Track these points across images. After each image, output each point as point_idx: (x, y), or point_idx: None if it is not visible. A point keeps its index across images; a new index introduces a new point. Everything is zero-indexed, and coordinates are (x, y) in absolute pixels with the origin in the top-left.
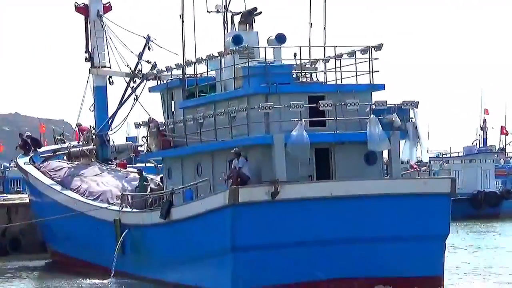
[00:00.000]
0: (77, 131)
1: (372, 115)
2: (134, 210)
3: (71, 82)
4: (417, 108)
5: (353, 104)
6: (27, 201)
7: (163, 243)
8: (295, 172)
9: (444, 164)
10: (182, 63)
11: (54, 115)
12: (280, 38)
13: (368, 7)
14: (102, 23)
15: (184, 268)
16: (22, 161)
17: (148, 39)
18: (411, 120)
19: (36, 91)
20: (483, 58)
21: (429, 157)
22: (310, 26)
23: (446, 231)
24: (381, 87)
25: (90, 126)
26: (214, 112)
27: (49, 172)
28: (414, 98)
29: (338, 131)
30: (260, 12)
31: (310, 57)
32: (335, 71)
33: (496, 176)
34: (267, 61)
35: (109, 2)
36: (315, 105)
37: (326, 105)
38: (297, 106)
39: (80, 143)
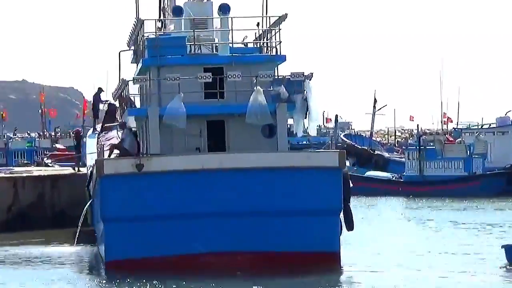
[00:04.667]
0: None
1: (257, 87)
2: None
3: (81, 50)
4: (310, 80)
5: (236, 76)
6: (35, 174)
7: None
8: (181, 144)
9: (480, 135)
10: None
11: (64, 82)
12: (224, 8)
13: None
14: None
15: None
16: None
17: None
18: (303, 92)
19: (45, 58)
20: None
21: (460, 129)
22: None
23: (336, 205)
24: (281, 58)
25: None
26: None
27: (102, 141)
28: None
29: (233, 104)
30: None
31: (262, 27)
32: (232, 42)
33: None
34: (157, 32)
35: None
36: (194, 77)
37: (205, 77)
38: (175, 79)
39: None
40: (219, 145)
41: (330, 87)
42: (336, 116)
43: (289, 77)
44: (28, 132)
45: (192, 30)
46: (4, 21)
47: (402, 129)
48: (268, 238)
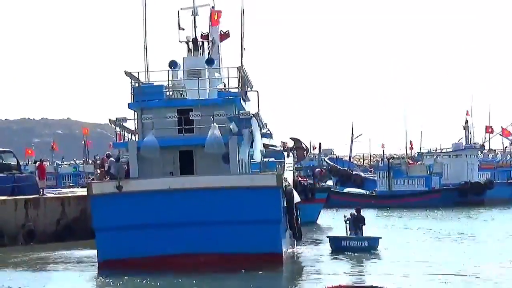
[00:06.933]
0: None
1: (213, 123)
2: None
3: (114, 92)
4: (256, 118)
5: (197, 115)
6: (78, 193)
7: None
8: (158, 170)
9: (438, 158)
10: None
11: (101, 119)
12: (209, 62)
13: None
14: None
15: None
16: None
17: None
18: (250, 128)
19: (85, 98)
20: (474, 65)
21: (422, 153)
22: (243, 50)
23: (276, 216)
24: (236, 100)
25: None
26: None
27: None
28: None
29: (198, 137)
30: (203, 42)
31: (240, 77)
32: (198, 89)
33: (485, 169)
34: (144, 82)
35: (228, 30)
36: (164, 117)
37: (172, 117)
38: (148, 119)
39: None
40: (189, 170)
41: (315, 119)
42: (320, 144)
43: (239, 116)
44: (75, 159)
45: (187, 79)
46: (54, 69)
47: (374, 154)
48: (223, 242)
